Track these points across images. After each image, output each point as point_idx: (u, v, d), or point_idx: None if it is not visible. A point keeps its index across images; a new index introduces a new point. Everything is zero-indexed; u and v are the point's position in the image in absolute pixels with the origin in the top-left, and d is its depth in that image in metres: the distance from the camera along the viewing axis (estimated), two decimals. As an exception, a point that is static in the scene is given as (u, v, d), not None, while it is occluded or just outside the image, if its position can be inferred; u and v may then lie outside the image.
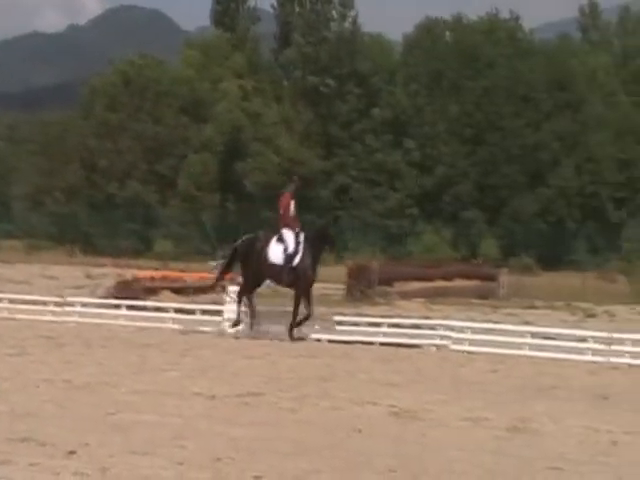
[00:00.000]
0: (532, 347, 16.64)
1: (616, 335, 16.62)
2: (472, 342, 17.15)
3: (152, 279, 25.58)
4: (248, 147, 61.10)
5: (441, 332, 17.59)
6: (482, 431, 9.43)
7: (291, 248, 17.73)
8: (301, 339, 17.36)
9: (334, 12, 65.69)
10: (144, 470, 7.35)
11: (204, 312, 19.52)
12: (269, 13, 69.03)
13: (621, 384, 13.40)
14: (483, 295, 31.84)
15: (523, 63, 62.16)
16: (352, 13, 65.70)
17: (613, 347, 16.19)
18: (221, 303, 19.61)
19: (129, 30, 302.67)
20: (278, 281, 18.29)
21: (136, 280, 24.90)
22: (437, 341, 17.43)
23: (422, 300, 28.70)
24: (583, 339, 16.84)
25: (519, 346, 16.74)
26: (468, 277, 33.79)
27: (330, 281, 32.27)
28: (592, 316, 26.20)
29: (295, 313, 17.59)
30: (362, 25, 66.34)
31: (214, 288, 20.97)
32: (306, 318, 17.63)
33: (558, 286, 36.13)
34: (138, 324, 19.12)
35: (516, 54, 62.98)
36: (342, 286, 29.64)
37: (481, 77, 61.50)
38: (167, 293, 24.33)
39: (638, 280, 37.72)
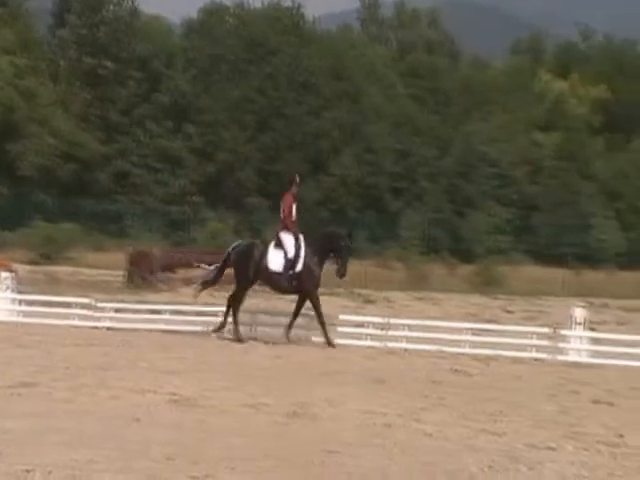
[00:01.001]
0: (315, 333, 16.82)
1: (393, 321, 17.09)
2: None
3: None
4: (22, 128, 58.68)
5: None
6: (263, 417, 9.41)
7: (291, 253, 16.32)
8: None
9: (112, -8, 64.21)
10: None
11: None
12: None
13: (397, 368, 13.75)
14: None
15: (304, 51, 63.02)
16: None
17: (390, 332, 16.62)
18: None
19: None
20: (279, 289, 16.96)
21: None
22: (219, 328, 17.32)
23: (205, 287, 28.56)
24: (362, 325, 17.22)
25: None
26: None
27: (110, 268, 31.73)
28: (371, 302, 26.90)
29: (320, 317, 16.29)
30: (140, 7, 65.31)
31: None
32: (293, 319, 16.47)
33: (339, 273, 36.84)
34: None
35: (298, 42, 63.77)
36: (123, 273, 29.09)
37: (263, 63, 61.84)
38: None
39: (414, 267, 39.19)
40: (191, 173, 59.87)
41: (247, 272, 16.53)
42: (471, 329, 16.62)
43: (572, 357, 15.63)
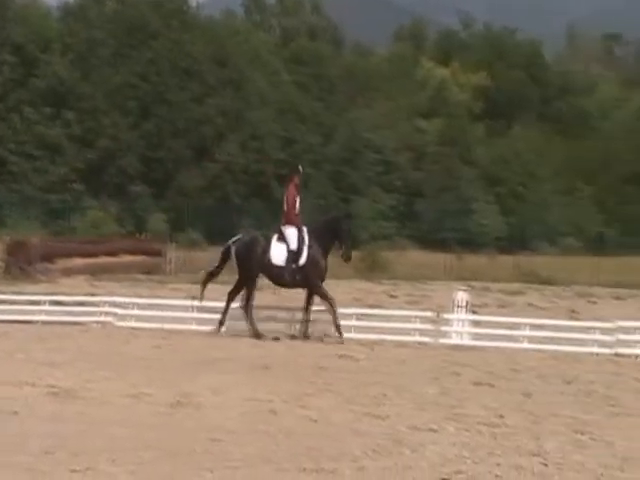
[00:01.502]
0: (198, 321, 16.72)
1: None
2: (138, 318, 16.97)
3: None
4: None
5: (105, 309, 17.25)
6: (145, 407, 9.28)
7: (294, 246, 15.76)
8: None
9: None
10: None
11: None
12: None
13: (282, 355, 13.74)
14: (150, 270, 31.79)
15: (187, 36, 62.36)
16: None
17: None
18: None
19: None
20: (282, 284, 16.29)
21: None
22: (101, 318, 17.06)
23: (86, 276, 28.18)
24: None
25: (186, 321, 16.77)
26: (134, 253, 33.64)
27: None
28: (257, 290, 26.80)
29: (331, 307, 15.70)
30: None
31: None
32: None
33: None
34: None
35: (181, 28, 63.09)
36: (0, 263, 28.35)
37: (145, 48, 60.93)
38: None
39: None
40: (71, 160, 58.51)
41: (251, 268, 15.94)
42: (356, 314, 16.70)
43: (454, 340, 15.87)
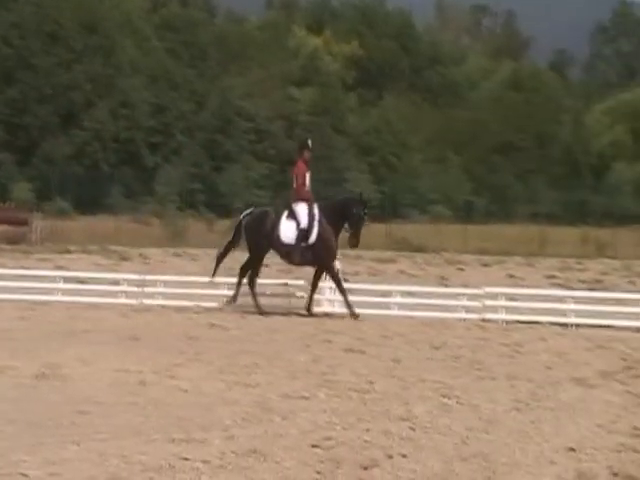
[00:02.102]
0: (65, 292, 16.38)
1: (149, 277, 16.83)
2: (2, 289, 16.48)
3: None
4: None
5: (-33, 280, 16.70)
6: (8, 380, 9.03)
7: (304, 224, 15.42)
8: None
9: None
10: None
11: None
12: None
13: (152, 325, 13.57)
14: (14, 240, 31.03)
15: (50, 1, 60.50)
16: None
17: (146, 289, 16.36)
18: None
19: None
20: (291, 262, 16.03)
21: None
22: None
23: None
24: (116, 282, 16.88)
25: (51, 291, 16.39)
26: (-2, 222, 32.76)
27: None
28: (127, 259, 26.50)
29: (339, 286, 15.43)
30: None
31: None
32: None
33: (94, 230, 36.20)
34: None
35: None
36: None
37: (6, 11, 58.87)
38: None
39: (171, 223, 38.90)
40: None
41: (259, 243, 15.70)
42: (228, 284, 16.58)
43: (326, 308, 15.95)
